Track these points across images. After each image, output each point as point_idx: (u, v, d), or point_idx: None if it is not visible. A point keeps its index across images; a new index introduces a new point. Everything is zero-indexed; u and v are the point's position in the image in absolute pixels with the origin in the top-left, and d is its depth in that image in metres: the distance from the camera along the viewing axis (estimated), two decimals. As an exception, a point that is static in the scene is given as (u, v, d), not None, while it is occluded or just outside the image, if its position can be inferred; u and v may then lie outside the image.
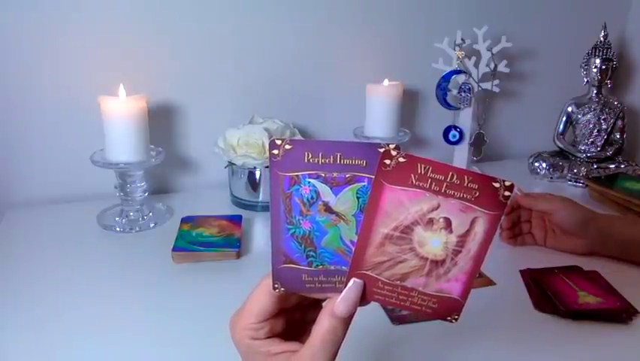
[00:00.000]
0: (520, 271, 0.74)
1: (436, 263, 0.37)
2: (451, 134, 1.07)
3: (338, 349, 0.36)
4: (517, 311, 0.66)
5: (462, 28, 1.02)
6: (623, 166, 1.10)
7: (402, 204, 0.35)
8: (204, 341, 0.59)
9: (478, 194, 0.35)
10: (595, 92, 1.12)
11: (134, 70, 0.93)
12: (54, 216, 0.89)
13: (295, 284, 0.38)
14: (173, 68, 0.96)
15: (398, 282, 0.37)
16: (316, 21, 1.02)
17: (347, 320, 0.36)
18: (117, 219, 0.87)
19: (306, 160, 0.36)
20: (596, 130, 1.11)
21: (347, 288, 0.37)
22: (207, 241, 0.78)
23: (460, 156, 1.09)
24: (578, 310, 0.63)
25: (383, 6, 1.06)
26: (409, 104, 1.12)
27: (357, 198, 0.36)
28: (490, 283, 0.71)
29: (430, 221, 0.35)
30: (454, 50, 1.02)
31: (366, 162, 0.35)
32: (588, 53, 1.11)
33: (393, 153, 0.34)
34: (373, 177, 0.35)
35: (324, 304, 0.38)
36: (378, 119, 1.00)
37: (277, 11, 0.99)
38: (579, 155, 1.12)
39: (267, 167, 0.90)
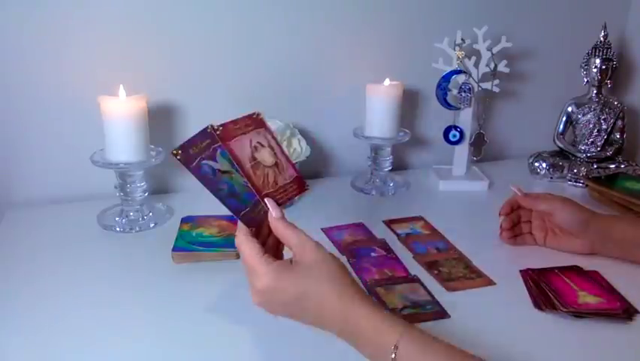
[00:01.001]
0: (520, 271, 0.74)
1: (276, 165, 0.59)
2: (451, 134, 1.07)
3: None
4: (517, 311, 0.66)
5: (462, 28, 1.02)
6: (623, 166, 1.10)
7: (242, 147, 0.57)
8: (204, 340, 0.59)
9: (253, 124, 0.60)
10: (595, 92, 1.12)
11: (134, 70, 0.93)
12: (54, 216, 0.89)
13: (253, 222, 0.56)
14: (173, 68, 0.96)
15: (277, 186, 0.58)
16: (316, 21, 1.02)
17: (282, 220, 0.55)
18: (117, 219, 0.87)
19: (192, 153, 0.56)
20: (596, 130, 1.11)
21: (269, 204, 0.56)
22: (207, 241, 0.78)
23: (460, 156, 1.09)
24: (578, 310, 0.64)
25: (383, 6, 1.06)
26: (409, 104, 1.12)
27: (224, 157, 0.55)
28: (490, 283, 0.71)
29: (255, 147, 0.58)
30: (454, 50, 1.02)
31: (210, 139, 0.55)
32: (588, 53, 1.11)
33: (216, 127, 0.56)
34: (220, 143, 0.55)
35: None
36: (378, 119, 1.00)
37: (277, 11, 0.99)
38: (579, 155, 1.12)
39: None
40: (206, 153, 0.55)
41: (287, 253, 0.57)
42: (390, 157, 1.04)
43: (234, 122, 0.58)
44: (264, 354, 0.58)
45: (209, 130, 0.55)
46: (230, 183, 0.56)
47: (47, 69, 0.89)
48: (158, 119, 0.96)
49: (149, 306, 0.66)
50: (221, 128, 0.56)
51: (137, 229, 0.85)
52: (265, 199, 0.56)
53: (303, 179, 0.61)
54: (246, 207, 0.56)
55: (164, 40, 0.94)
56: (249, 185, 0.56)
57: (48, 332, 0.60)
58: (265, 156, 0.59)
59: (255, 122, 0.60)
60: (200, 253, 0.75)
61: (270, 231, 0.56)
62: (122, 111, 0.81)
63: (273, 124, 0.92)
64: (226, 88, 1.00)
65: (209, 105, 1.00)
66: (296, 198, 0.64)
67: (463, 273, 0.73)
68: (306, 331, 0.61)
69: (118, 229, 0.85)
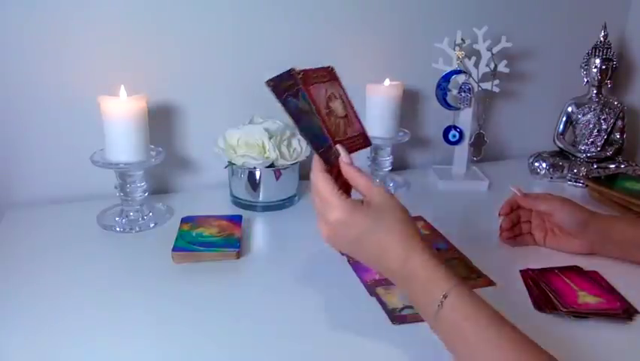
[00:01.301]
0: (520, 271, 0.74)
1: (346, 117, 0.62)
2: (451, 135, 1.07)
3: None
4: (517, 311, 0.65)
5: (462, 28, 1.02)
6: (623, 166, 1.10)
7: (318, 95, 0.60)
8: (204, 340, 0.59)
9: (328, 76, 0.62)
10: (595, 92, 1.12)
11: (134, 70, 0.93)
12: (54, 217, 0.89)
13: (328, 162, 0.60)
14: (173, 68, 0.96)
15: (346, 135, 0.61)
16: (316, 21, 1.02)
17: (352, 165, 0.58)
18: (117, 219, 0.87)
19: (281, 87, 0.59)
20: (596, 130, 1.11)
21: (341, 151, 0.59)
22: (207, 241, 0.78)
23: (460, 156, 1.09)
24: (578, 311, 0.64)
25: (383, 6, 1.06)
26: (409, 104, 1.12)
27: (304, 99, 0.59)
28: (490, 283, 0.71)
29: (329, 97, 0.61)
30: (454, 50, 1.02)
31: (293, 81, 0.59)
32: (588, 53, 1.11)
33: (298, 70, 0.59)
34: (302, 86, 0.58)
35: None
36: (378, 119, 0.99)
37: (277, 11, 0.99)
38: (579, 155, 1.12)
39: (267, 166, 0.90)
40: (291, 90, 0.59)
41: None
42: (390, 157, 1.04)
43: (313, 70, 0.61)
44: (264, 354, 0.58)
45: (292, 73, 0.58)
46: (310, 123, 0.59)
47: (47, 69, 0.89)
48: (158, 119, 0.96)
49: (149, 306, 0.66)
50: (302, 73, 0.59)
51: (137, 229, 0.85)
52: (337, 146, 0.59)
53: (367, 134, 0.65)
54: (322, 148, 0.60)
55: (164, 41, 0.94)
56: (324, 129, 0.59)
57: (48, 332, 0.60)
58: (338, 107, 0.62)
59: (329, 74, 0.63)
60: (200, 253, 0.75)
61: (338, 175, 0.59)
62: (122, 111, 0.81)
63: (273, 124, 0.92)
64: (226, 88, 1.00)
65: (209, 105, 1.00)
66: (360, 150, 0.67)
67: (463, 273, 0.73)
68: (306, 331, 0.61)
69: (118, 229, 0.85)
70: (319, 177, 0.57)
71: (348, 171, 0.58)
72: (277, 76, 0.59)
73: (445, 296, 0.49)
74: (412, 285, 0.52)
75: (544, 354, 0.47)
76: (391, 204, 0.55)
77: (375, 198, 0.55)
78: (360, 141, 0.63)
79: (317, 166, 0.58)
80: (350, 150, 0.61)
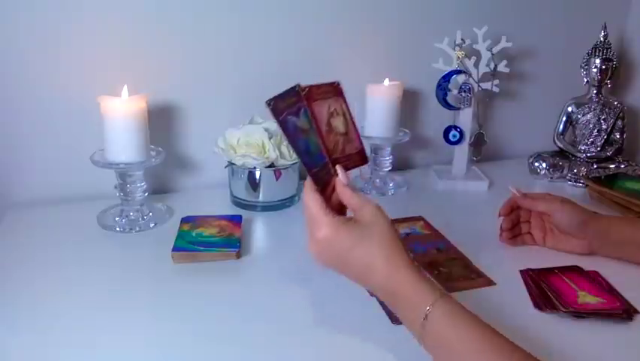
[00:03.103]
0: (520, 271, 0.74)
1: (346, 134, 0.63)
2: (451, 135, 1.07)
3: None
4: (517, 311, 0.66)
5: (462, 28, 1.02)
6: (623, 166, 1.10)
7: (320, 112, 0.61)
8: (204, 340, 0.59)
9: (333, 92, 0.63)
10: (595, 92, 1.12)
11: (134, 70, 0.93)
12: (54, 217, 0.89)
13: (320, 181, 0.60)
14: (173, 68, 0.96)
15: (344, 153, 0.63)
16: (316, 21, 1.02)
17: (348, 186, 0.59)
18: (117, 219, 0.87)
19: (281, 106, 0.59)
20: (596, 130, 1.11)
21: (339, 170, 0.60)
22: (207, 241, 0.78)
23: (460, 156, 1.09)
24: (578, 310, 0.64)
25: (383, 6, 1.06)
26: (409, 104, 1.12)
27: (305, 116, 0.60)
28: (490, 283, 0.71)
29: (331, 113, 0.62)
30: (454, 50, 1.03)
31: (296, 98, 0.59)
32: (588, 53, 1.12)
33: (303, 87, 0.60)
34: (304, 103, 0.60)
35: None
36: (378, 119, 1.00)
37: (277, 11, 0.99)
38: (579, 155, 1.12)
39: (267, 166, 0.90)
40: (292, 108, 0.59)
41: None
42: (390, 157, 1.04)
43: (318, 86, 0.62)
44: (264, 354, 0.58)
45: (297, 89, 0.59)
46: (307, 142, 0.60)
47: (47, 70, 0.89)
48: (158, 119, 0.96)
49: (149, 306, 0.66)
50: (307, 89, 0.60)
51: (137, 229, 0.85)
52: (337, 166, 0.61)
53: (365, 152, 0.66)
54: (317, 167, 0.61)
55: (164, 41, 0.94)
56: (322, 147, 0.60)
57: (48, 332, 0.60)
58: (339, 124, 0.63)
59: (334, 90, 0.63)
60: (200, 253, 0.75)
61: (333, 192, 0.61)
62: (122, 111, 0.81)
63: (273, 124, 0.92)
64: (226, 88, 1.00)
65: (210, 105, 1.00)
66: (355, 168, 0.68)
67: (463, 273, 0.73)
68: (306, 332, 0.61)
69: (118, 229, 0.85)
70: (310, 197, 0.58)
71: (342, 192, 0.59)
72: (279, 95, 0.59)
73: (429, 308, 0.50)
74: (398, 300, 0.53)
75: (531, 360, 0.47)
76: (378, 221, 0.56)
77: (364, 215, 0.56)
78: (357, 158, 0.65)
79: (309, 186, 0.59)
80: (346, 168, 0.62)
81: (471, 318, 0.50)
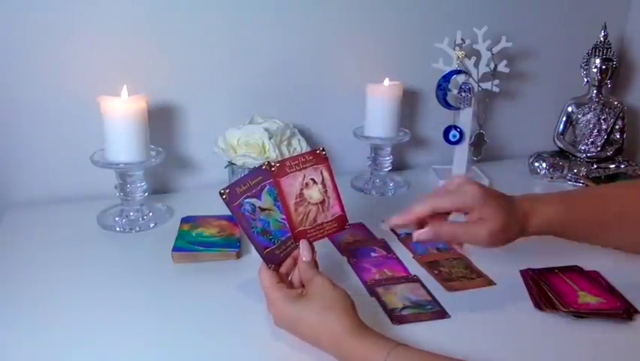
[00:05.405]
0: (520, 271, 0.74)
1: (322, 202, 0.64)
2: (451, 135, 1.07)
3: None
4: (517, 311, 0.66)
5: (462, 28, 1.02)
6: (623, 166, 1.10)
7: (291, 184, 0.62)
8: (204, 340, 0.59)
9: (314, 160, 0.64)
10: (595, 92, 1.11)
11: (135, 70, 0.93)
12: (54, 217, 0.89)
13: (276, 258, 0.63)
14: (173, 68, 0.96)
15: (314, 223, 0.64)
16: (316, 21, 1.02)
17: (311, 262, 0.62)
18: (117, 219, 0.87)
19: (238, 192, 0.60)
20: (596, 130, 1.11)
21: (302, 247, 0.62)
22: (207, 241, 0.79)
23: (460, 156, 1.09)
24: (578, 310, 0.64)
25: (383, 5, 1.06)
26: (409, 104, 1.12)
27: (270, 194, 0.62)
28: (490, 283, 0.72)
29: (306, 184, 0.63)
30: (454, 50, 1.02)
31: (262, 176, 0.61)
32: (588, 53, 1.11)
33: (272, 163, 0.61)
34: (271, 180, 0.61)
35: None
36: (378, 119, 0.99)
37: (277, 11, 0.99)
38: (579, 155, 1.12)
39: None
40: (252, 191, 0.61)
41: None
42: (390, 157, 1.04)
43: (294, 158, 0.63)
44: (263, 353, 0.58)
45: (264, 167, 0.61)
46: (267, 221, 0.62)
47: (47, 69, 0.89)
48: (158, 119, 0.96)
49: (149, 306, 0.66)
50: (277, 165, 0.62)
51: (137, 228, 0.85)
52: (301, 242, 0.62)
53: (345, 217, 0.66)
54: (273, 244, 0.62)
55: (164, 41, 0.94)
56: (286, 222, 0.62)
57: (48, 332, 0.60)
58: (314, 193, 0.64)
59: (317, 157, 0.64)
60: (200, 253, 0.76)
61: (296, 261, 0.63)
62: (122, 111, 0.81)
63: (273, 124, 0.92)
64: (226, 88, 1.00)
65: (209, 105, 1.00)
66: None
67: (463, 273, 0.73)
68: (306, 331, 0.61)
69: (118, 228, 0.85)
70: (262, 273, 0.61)
71: (299, 266, 0.62)
72: (240, 178, 0.61)
73: (386, 358, 0.50)
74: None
75: None
76: (325, 292, 0.58)
77: (312, 287, 0.59)
78: (334, 225, 0.65)
79: (263, 263, 0.62)
80: (317, 238, 0.64)
81: (430, 354, 0.52)
